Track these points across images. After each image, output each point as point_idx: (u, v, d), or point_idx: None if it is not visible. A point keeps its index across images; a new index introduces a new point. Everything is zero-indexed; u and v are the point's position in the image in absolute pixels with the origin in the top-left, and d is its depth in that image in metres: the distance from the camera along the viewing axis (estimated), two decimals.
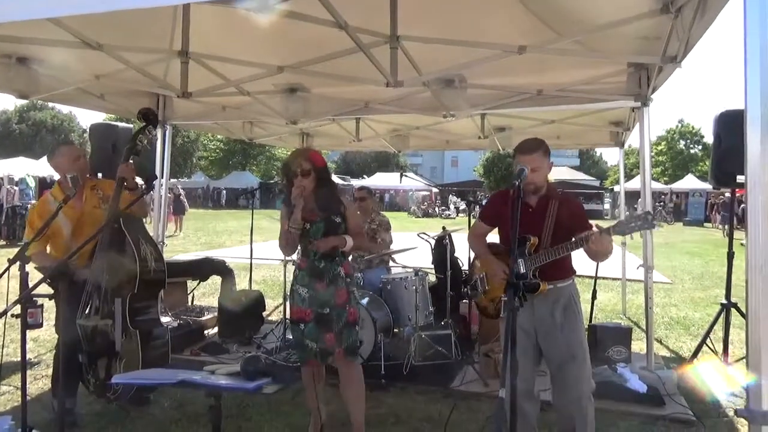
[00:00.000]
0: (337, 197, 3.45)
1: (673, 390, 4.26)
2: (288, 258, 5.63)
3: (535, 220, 2.94)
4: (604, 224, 2.87)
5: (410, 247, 5.60)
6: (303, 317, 3.32)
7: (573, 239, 2.82)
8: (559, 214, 2.94)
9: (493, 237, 3.31)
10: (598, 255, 2.82)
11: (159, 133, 5.79)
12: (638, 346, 5.38)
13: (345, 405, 3.50)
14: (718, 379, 4.45)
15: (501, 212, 3.06)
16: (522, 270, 2.83)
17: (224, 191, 42.53)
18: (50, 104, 40.04)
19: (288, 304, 5.73)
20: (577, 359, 2.93)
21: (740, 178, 4.47)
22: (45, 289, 2.84)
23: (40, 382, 4.51)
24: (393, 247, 5.84)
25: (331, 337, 3.29)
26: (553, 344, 2.97)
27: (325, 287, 3.32)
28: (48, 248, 3.68)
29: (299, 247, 3.42)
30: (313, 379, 3.40)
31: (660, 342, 5.93)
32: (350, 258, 3.45)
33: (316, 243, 3.29)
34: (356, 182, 34.44)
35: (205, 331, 5.94)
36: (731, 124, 4.66)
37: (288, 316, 5.73)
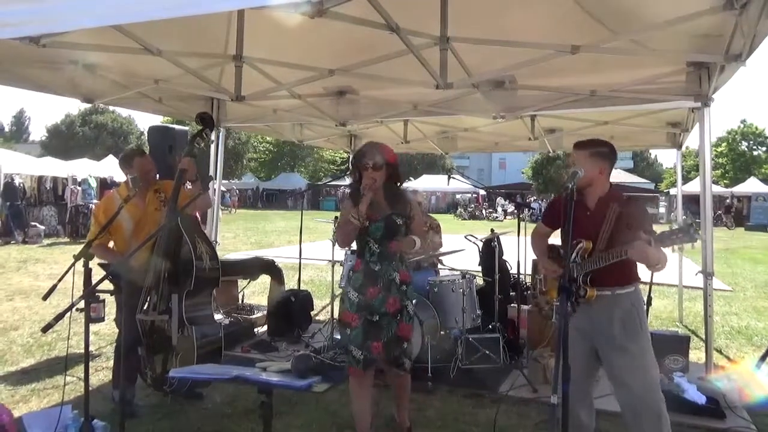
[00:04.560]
0: (405, 197, 3.36)
1: (735, 402, 4.07)
2: (336, 259, 5.82)
3: (592, 224, 2.80)
4: (658, 230, 2.72)
5: (457, 249, 5.56)
6: (350, 322, 3.21)
7: (619, 247, 2.66)
8: (618, 218, 2.76)
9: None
10: (648, 266, 2.66)
11: (213, 135, 5.96)
12: (696, 355, 5.17)
13: (393, 406, 3.52)
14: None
15: (560, 215, 2.89)
16: (574, 275, 2.78)
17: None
18: (110, 108, 41.88)
19: (336, 304, 5.89)
20: (639, 383, 2.75)
21: None
22: (106, 285, 2.96)
23: (100, 373, 4.71)
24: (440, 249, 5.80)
25: (378, 346, 3.15)
26: (610, 363, 2.83)
27: (376, 293, 3.16)
28: (111, 243, 3.86)
29: (356, 248, 3.34)
30: (360, 390, 3.28)
31: (720, 352, 5.68)
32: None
33: (393, 245, 3.19)
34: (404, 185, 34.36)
35: (255, 329, 6.08)
36: None
37: (336, 316, 5.83)
